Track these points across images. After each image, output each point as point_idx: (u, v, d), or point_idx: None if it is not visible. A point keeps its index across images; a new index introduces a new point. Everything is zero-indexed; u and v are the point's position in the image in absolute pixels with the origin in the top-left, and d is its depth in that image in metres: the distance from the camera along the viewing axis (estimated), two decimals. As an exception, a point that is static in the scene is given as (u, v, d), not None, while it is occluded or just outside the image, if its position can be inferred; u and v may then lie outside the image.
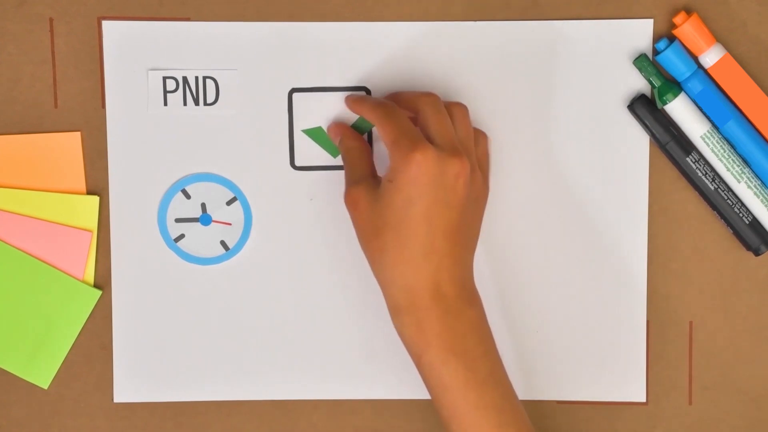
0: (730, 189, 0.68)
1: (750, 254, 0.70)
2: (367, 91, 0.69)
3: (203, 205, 0.70)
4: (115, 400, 0.71)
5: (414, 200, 0.62)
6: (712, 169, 0.68)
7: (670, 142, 0.68)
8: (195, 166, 0.70)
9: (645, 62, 0.67)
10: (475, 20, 0.69)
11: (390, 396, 0.71)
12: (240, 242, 0.70)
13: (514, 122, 0.69)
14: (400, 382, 0.70)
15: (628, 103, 0.69)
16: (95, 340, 0.71)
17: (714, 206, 0.69)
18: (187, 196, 0.70)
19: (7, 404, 0.71)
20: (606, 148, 0.69)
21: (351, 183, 0.65)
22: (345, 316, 0.70)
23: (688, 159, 0.68)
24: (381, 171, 0.69)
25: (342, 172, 0.69)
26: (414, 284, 0.63)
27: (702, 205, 0.70)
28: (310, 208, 0.70)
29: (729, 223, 0.69)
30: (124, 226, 0.70)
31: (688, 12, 0.68)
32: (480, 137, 0.67)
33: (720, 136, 0.68)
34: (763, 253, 0.69)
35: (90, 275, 0.70)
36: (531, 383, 0.70)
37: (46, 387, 0.71)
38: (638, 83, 0.69)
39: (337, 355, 0.70)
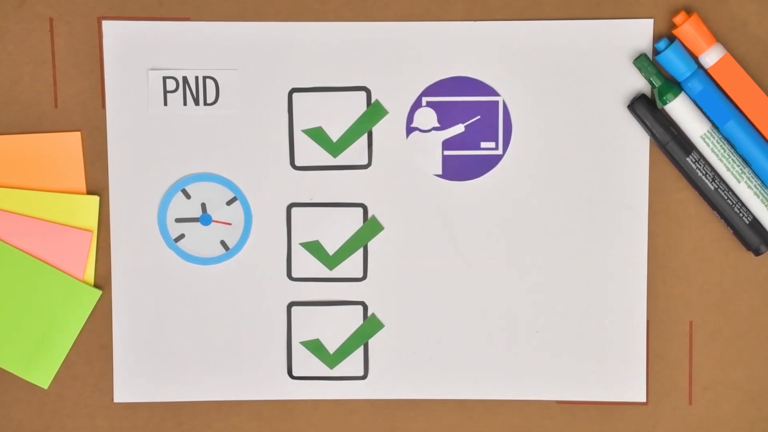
0: (730, 189, 0.68)
1: (750, 254, 0.70)
2: (367, 91, 0.69)
3: (203, 205, 0.70)
4: (115, 400, 0.71)
5: None
6: (712, 169, 0.68)
7: (670, 142, 0.68)
8: (195, 166, 0.70)
9: (645, 62, 0.67)
10: (475, 20, 0.69)
11: (390, 396, 0.71)
12: (240, 242, 0.70)
13: (514, 122, 0.69)
14: (400, 381, 0.70)
15: (628, 103, 0.69)
16: (95, 340, 0.71)
17: (714, 206, 0.69)
18: (187, 196, 0.70)
19: (7, 404, 0.71)
20: (606, 148, 0.69)
21: None
22: (345, 315, 0.70)
23: (688, 159, 0.68)
24: (382, 167, 0.69)
25: (342, 172, 0.69)
26: None
27: (702, 205, 0.70)
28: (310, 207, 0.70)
29: (729, 223, 0.69)
30: (124, 226, 0.70)
31: (688, 12, 0.68)
32: None
33: (720, 136, 0.68)
34: (763, 253, 0.69)
35: (90, 275, 0.70)
36: (531, 383, 0.70)
37: (46, 387, 0.71)
38: (638, 83, 0.69)
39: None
